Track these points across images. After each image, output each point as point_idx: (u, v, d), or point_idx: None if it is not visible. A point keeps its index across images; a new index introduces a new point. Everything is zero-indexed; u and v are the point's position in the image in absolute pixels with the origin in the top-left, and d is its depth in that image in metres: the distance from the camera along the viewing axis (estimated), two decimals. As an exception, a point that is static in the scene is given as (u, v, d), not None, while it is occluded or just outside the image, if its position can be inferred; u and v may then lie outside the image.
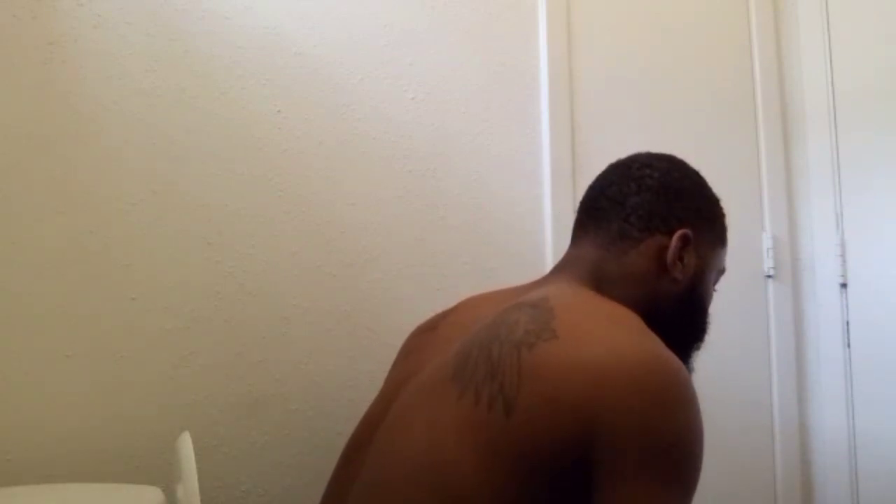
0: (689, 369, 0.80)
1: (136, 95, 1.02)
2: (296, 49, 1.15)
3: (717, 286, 0.86)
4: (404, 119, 1.24)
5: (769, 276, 1.63)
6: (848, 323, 1.58)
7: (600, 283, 0.75)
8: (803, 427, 1.62)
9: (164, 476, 0.94)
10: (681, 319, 0.78)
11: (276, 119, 1.12)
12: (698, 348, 0.83)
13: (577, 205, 0.86)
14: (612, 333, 0.61)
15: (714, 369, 1.54)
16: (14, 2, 0.95)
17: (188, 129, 1.05)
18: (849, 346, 1.58)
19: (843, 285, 1.59)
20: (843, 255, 1.59)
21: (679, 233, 0.76)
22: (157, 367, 1.00)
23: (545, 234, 1.35)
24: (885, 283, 1.52)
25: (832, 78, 1.63)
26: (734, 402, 1.55)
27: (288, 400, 1.09)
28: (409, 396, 0.70)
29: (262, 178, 1.10)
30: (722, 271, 0.85)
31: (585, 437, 0.55)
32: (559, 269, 0.81)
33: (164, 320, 1.01)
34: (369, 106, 1.20)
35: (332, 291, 1.14)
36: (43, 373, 0.93)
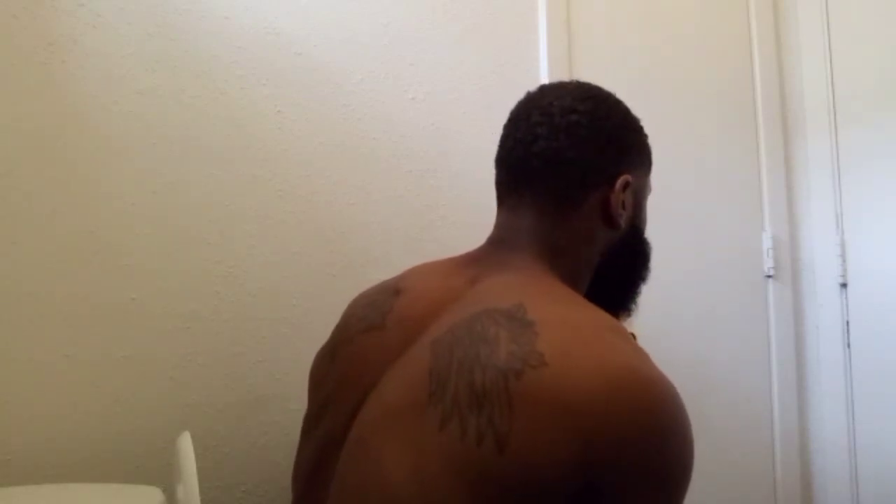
0: (636, 300, 0.80)
1: (136, 95, 1.02)
2: (296, 49, 1.15)
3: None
4: (404, 119, 1.24)
5: (769, 276, 1.63)
6: (848, 323, 1.58)
7: (555, 258, 0.71)
8: (803, 426, 1.62)
9: (164, 476, 0.94)
10: (628, 260, 0.76)
11: (276, 119, 1.12)
12: (646, 277, 0.81)
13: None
14: (602, 354, 0.57)
15: (714, 369, 1.54)
16: (14, 2, 0.95)
17: (188, 129, 1.05)
18: (849, 346, 1.58)
19: (843, 285, 1.59)
20: (843, 255, 1.59)
21: (621, 181, 0.71)
22: (157, 367, 1.00)
23: (545, 234, 1.35)
24: (885, 283, 1.52)
25: (832, 78, 1.63)
26: (734, 402, 1.55)
27: (288, 400, 1.09)
28: (374, 419, 0.62)
29: (262, 178, 1.10)
30: (650, 190, 0.81)
31: (584, 472, 0.52)
32: (506, 243, 0.73)
33: (164, 320, 1.01)
34: (369, 106, 1.20)
35: (332, 291, 1.14)
36: (43, 373, 0.93)
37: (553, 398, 0.54)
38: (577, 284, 0.72)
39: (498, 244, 0.74)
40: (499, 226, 0.75)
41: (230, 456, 1.04)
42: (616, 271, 0.75)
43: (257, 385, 1.07)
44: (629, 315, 0.82)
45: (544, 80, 1.38)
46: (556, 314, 0.62)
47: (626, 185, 0.72)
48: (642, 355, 0.60)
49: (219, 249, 1.06)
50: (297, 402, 1.09)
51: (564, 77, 1.40)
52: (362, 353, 0.71)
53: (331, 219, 1.15)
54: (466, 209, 1.28)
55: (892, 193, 1.52)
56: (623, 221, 0.72)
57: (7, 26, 0.95)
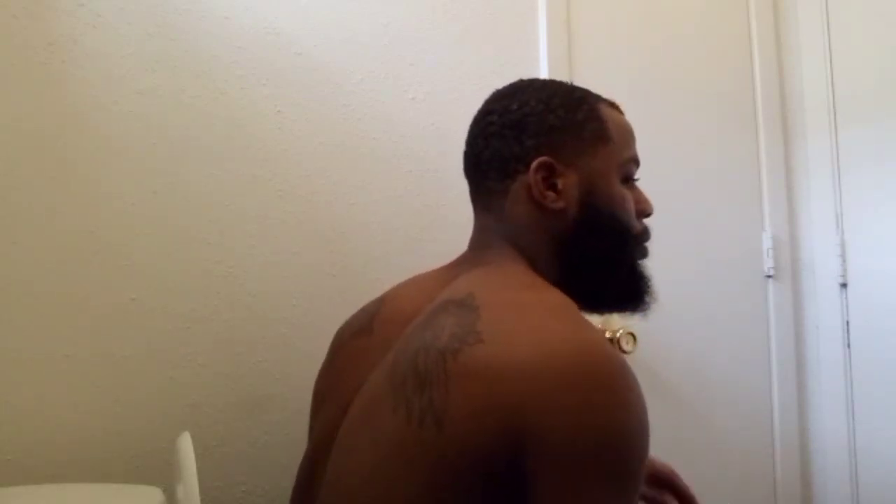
0: (645, 280, 0.77)
1: (136, 95, 1.02)
2: (296, 49, 1.15)
3: (639, 186, 0.78)
4: (404, 119, 1.24)
5: (769, 276, 1.63)
6: (848, 323, 1.58)
7: (515, 245, 0.72)
8: (803, 427, 1.62)
9: (164, 476, 0.94)
10: (593, 240, 0.72)
11: (276, 119, 1.12)
12: (643, 253, 0.77)
13: None
14: (538, 329, 0.57)
15: (714, 369, 1.54)
16: (14, 2, 0.95)
17: (188, 129, 1.05)
18: (849, 346, 1.57)
19: (843, 285, 1.59)
20: (843, 255, 1.59)
21: (534, 164, 0.71)
22: (157, 367, 1.00)
23: (545, 234, 1.35)
24: (885, 283, 1.52)
25: (832, 78, 1.63)
26: (734, 402, 1.55)
27: (288, 400, 1.09)
28: (352, 416, 0.65)
29: (262, 178, 1.10)
30: (630, 161, 0.76)
31: (519, 446, 0.52)
32: (476, 245, 0.78)
33: (164, 320, 1.01)
34: (369, 106, 1.20)
35: (332, 291, 1.14)
36: (43, 373, 0.93)
37: (485, 370, 0.55)
38: (542, 270, 0.72)
39: (472, 246, 0.79)
40: (473, 230, 0.80)
41: (230, 456, 1.04)
42: (590, 255, 0.73)
43: (257, 385, 1.07)
44: (645, 310, 0.77)
45: (544, 80, 1.38)
46: (503, 298, 0.63)
47: (544, 167, 0.71)
48: (587, 328, 0.59)
49: (219, 249, 1.06)
50: (297, 402, 1.09)
51: (564, 76, 1.39)
52: (352, 356, 0.75)
53: (331, 219, 1.15)
54: (466, 209, 1.27)
55: (892, 193, 1.52)
56: (558, 203, 0.71)
57: (7, 26, 0.95)
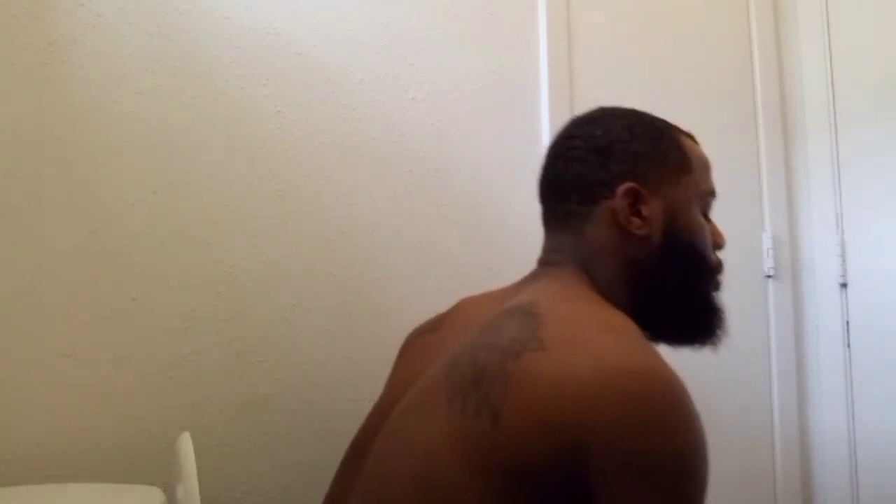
0: (719, 313, 0.77)
1: (136, 95, 1.02)
2: (296, 49, 1.15)
3: (713, 213, 0.80)
4: (404, 119, 1.24)
5: (769, 276, 1.63)
6: (848, 323, 1.58)
7: (586, 268, 0.73)
8: (803, 427, 1.62)
9: (164, 476, 0.94)
10: (673, 270, 0.73)
11: (276, 119, 1.12)
12: (717, 286, 0.78)
13: None
14: (599, 343, 0.59)
15: (714, 369, 1.54)
16: (14, 2, 0.95)
17: (188, 129, 1.05)
18: (849, 346, 1.57)
19: (843, 285, 1.59)
20: (843, 255, 1.59)
21: (621, 190, 0.72)
22: (157, 367, 1.00)
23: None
24: (885, 283, 1.52)
25: (832, 78, 1.63)
26: (734, 402, 1.55)
27: (288, 400, 1.09)
28: (407, 403, 0.69)
29: (262, 178, 1.10)
30: (708, 193, 0.78)
31: (577, 456, 0.53)
32: (545, 264, 0.79)
33: (164, 320, 1.01)
34: (369, 106, 1.20)
35: (332, 291, 1.14)
36: (43, 373, 0.93)
37: (546, 379, 0.56)
38: (612, 293, 0.72)
39: (541, 264, 0.80)
40: (542, 249, 0.81)
41: (230, 456, 1.04)
42: (668, 283, 0.74)
43: (257, 385, 1.07)
44: (716, 344, 0.77)
45: (544, 80, 1.38)
46: (565, 310, 0.65)
47: (631, 193, 0.72)
48: (647, 347, 0.61)
49: (219, 249, 1.06)
50: (298, 402, 1.09)
51: (564, 76, 1.40)
52: (417, 351, 0.82)
53: (331, 219, 1.15)
54: (466, 209, 1.28)
55: (892, 193, 1.52)
56: (643, 230, 0.72)
57: (7, 26, 0.95)
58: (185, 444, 0.79)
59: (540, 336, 0.59)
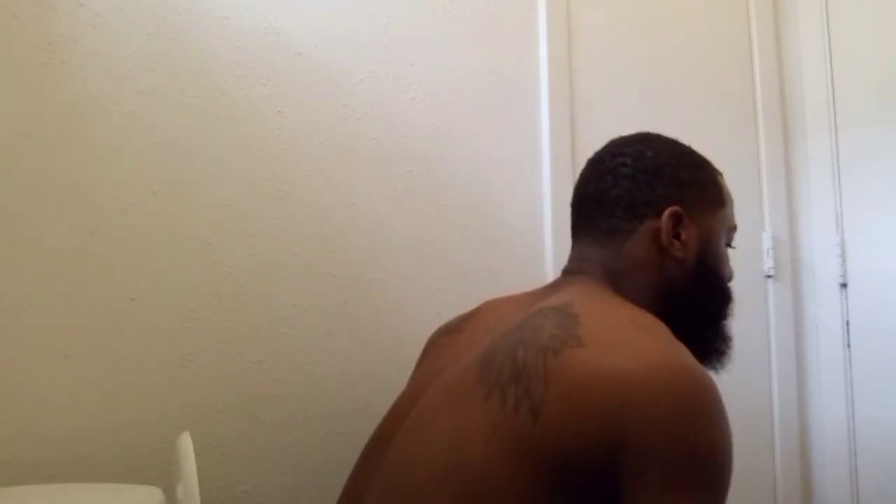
0: (728, 342, 0.84)
1: (136, 95, 1.02)
2: (296, 49, 1.15)
3: (735, 244, 0.87)
4: (404, 119, 1.24)
5: (769, 276, 1.63)
6: (848, 323, 1.58)
7: (615, 280, 0.76)
8: (803, 427, 1.62)
9: (164, 476, 0.94)
10: (699, 294, 0.79)
11: (276, 119, 1.12)
12: (727, 315, 0.84)
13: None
14: (637, 341, 0.61)
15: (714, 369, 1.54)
16: (14, 2, 0.95)
17: (188, 129, 1.05)
18: (849, 346, 1.58)
19: (843, 285, 1.59)
20: (843, 255, 1.59)
21: (667, 212, 0.76)
22: (157, 367, 1.00)
23: (545, 233, 1.35)
24: (885, 283, 1.52)
25: (832, 78, 1.63)
26: (734, 402, 1.54)
27: (288, 400, 1.09)
28: (432, 396, 0.70)
29: (262, 178, 1.10)
30: (733, 228, 0.86)
31: (613, 447, 0.55)
32: (571, 272, 0.81)
33: (164, 320, 1.01)
34: (369, 106, 1.20)
35: (332, 291, 1.14)
36: (43, 373, 0.93)
37: (585, 376, 0.58)
38: (639, 305, 0.74)
39: (566, 273, 0.83)
40: (569, 259, 0.83)
41: (230, 456, 1.04)
42: (690, 304, 0.78)
43: (257, 385, 1.07)
44: (719, 369, 0.83)
45: (544, 80, 1.38)
46: (600, 310, 0.68)
47: (677, 216, 0.76)
48: (681, 347, 0.63)
49: (219, 249, 1.06)
50: (298, 402, 1.09)
51: (564, 77, 1.40)
52: (440, 349, 0.84)
53: (331, 219, 1.15)
54: (466, 209, 1.28)
55: (892, 193, 1.52)
56: (681, 253, 0.76)
57: (7, 26, 0.95)
58: (185, 444, 0.79)
59: (578, 334, 0.61)
